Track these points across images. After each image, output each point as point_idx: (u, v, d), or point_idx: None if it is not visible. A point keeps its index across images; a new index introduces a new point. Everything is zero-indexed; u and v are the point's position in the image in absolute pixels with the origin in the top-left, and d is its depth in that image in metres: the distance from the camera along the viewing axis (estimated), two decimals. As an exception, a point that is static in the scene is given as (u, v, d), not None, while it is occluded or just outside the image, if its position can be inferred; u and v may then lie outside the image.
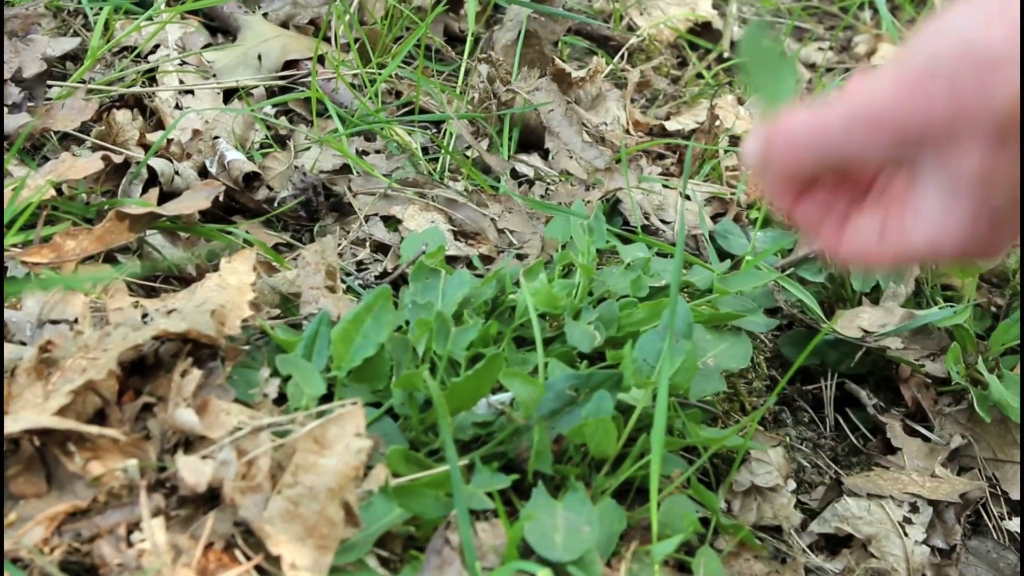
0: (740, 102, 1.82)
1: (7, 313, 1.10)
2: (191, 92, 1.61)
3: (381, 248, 1.45)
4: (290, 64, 1.67)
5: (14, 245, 1.20)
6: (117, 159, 1.36)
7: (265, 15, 1.75)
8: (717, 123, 1.70)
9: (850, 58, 2.07)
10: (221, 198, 1.40)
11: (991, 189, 0.76)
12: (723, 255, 1.50)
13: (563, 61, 1.70)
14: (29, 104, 1.44)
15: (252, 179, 1.48)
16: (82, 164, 1.28)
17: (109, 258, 1.32)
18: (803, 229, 0.88)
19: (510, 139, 1.60)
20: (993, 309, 1.53)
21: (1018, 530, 1.32)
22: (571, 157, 1.57)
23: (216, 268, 1.32)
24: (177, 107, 1.59)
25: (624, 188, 1.50)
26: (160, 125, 1.56)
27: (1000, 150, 0.74)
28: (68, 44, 1.62)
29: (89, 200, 1.37)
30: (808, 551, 1.20)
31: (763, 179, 0.87)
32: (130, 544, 0.91)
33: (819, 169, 0.83)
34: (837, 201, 0.87)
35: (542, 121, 1.60)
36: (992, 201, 0.76)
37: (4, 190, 1.22)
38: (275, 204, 1.46)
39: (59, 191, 1.34)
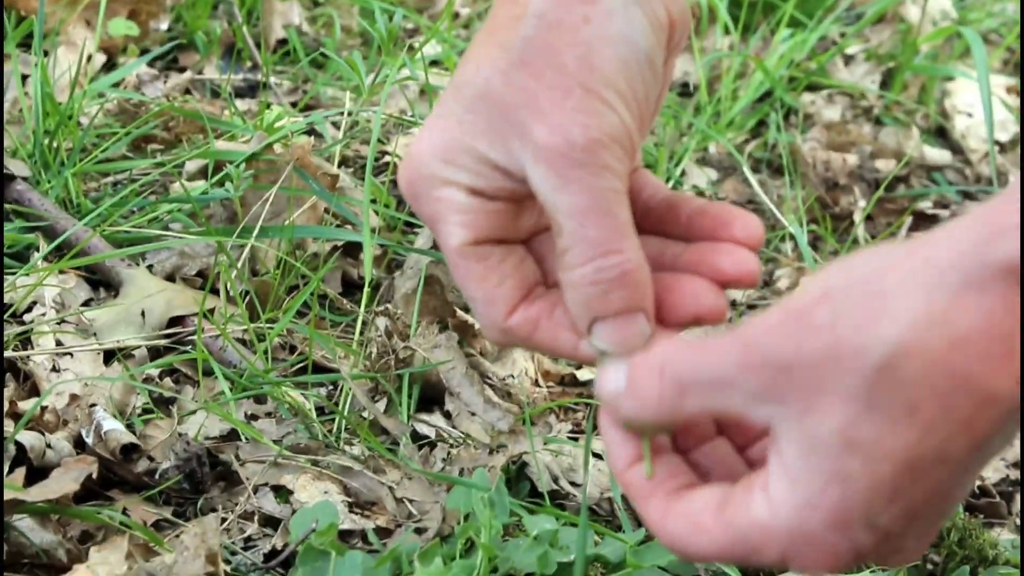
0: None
1: None
2: (69, 354, 1.60)
3: (271, 522, 1.44)
4: (175, 320, 1.68)
5: None
6: (-19, 438, 1.35)
7: (150, 267, 1.76)
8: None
9: (772, 293, 2.11)
10: (95, 474, 1.39)
11: (849, 457, 0.72)
12: (639, 521, 1.49)
13: (465, 311, 1.72)
14: None
15: (131, 450, 1.47)
16: (-59, 446, 1.27)
17: (-29, 546, 1.30)
18: (631, 495, 0.84)
19: (409, 397, 1.61)
20: (929, 566, 1.53)
21: None
22: (473, 418, 1.58)
23: (88, 553, 1.31)
24: (54, 369, 1.59)
25: (529, 452, 1.50)
26: (34, 390, 1.56)
27: (868, 412, 0.71)
28: (-64, 305, 1.62)
29: (-50, 481, 1.35)
30: None
31: (615, 424, 0.83)
32: None
33: (684, 412, 0.79)
34: (678, 471, 0.84)
35: (443, 379, 1.61)
36: (849, 469, 0.72)
37: None
38: (157, 476, 1.45)
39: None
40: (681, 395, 0.78)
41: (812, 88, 2.65)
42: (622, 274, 0.82)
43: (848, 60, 2.77)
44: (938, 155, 2.53)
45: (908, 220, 2.30)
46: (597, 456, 1.56)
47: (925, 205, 2.39)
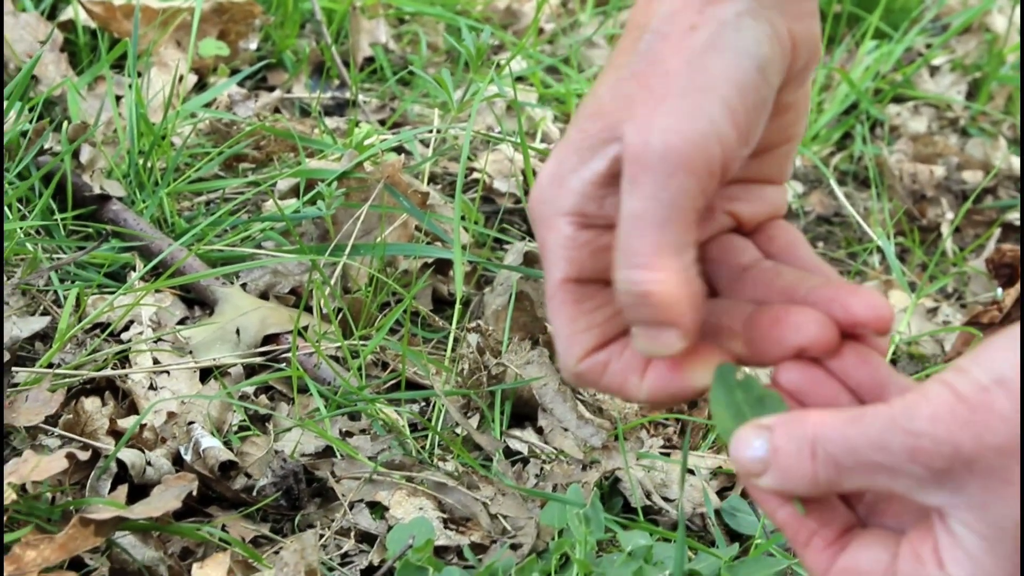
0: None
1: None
2: (166, 372, 1.62)
3: (367, 538, 1.44)
4: (270, 338, 1.69)
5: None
6: (83, 456, 1.37)
7: (243, 286, 1.78)
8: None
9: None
10: (195, 492, 1.40)
11: None
12: (732, 536, 1.49)
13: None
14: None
15: (229, 467, 1.48)
16: (45, 464, 1.29)
17: (76, 562, 1.32)
18: (788, 538, 0.82)
19: (502, 413, 1.61)
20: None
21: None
22: (566, 434, 1.58)
23: (190, 570, 1.32)
24: (152, 387, 1.60)
25: (623, 467, 1.50)
26: (133, 408, 1.58)
27: None
28: (37, 324, 1.64)
29: (55, 499, 1.37)
30: None
31: (758, 489, 0.80)
32: None
33: (840, 489, 0.77)
34: (835, 515, 0.81)
35: (535, 395, 1.61)
36: None
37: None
38: (254, 493, 1.46)
39: (23, 489, 1.34)
40: (838, 474, 0.76)
41: (898, 100, 2.63)
42: (646, 293, 0.79)
43: (934, 71, 2.75)
44: (1026, 165, 2.50)
45: (996, 232, 2.28)
46: (689, 471, 1.55)
47: (1013, 216, 2.36)
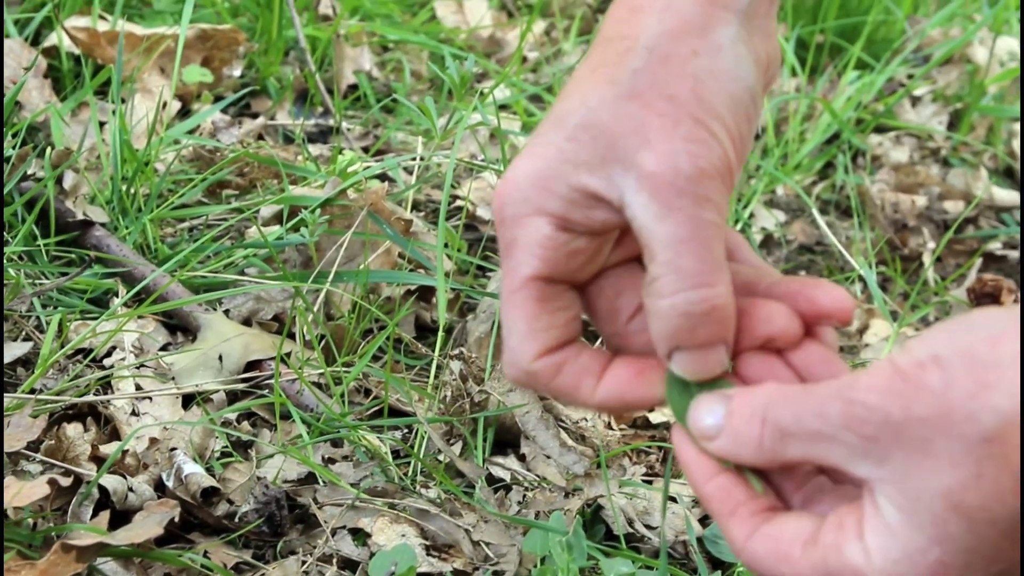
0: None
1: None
2: (149, 398, 1.62)
3: (349, 565, 1.44)
4: (252, 365, 1.69)
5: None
6: (65, 482, 1.37)
7: (227, 312, 1.78)
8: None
9: (842, 335, 2.10)
10: (177, 518, 1.40)
11: (953, 520, 0.73)
12: (714, 563, 1.49)
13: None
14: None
15: (211, 494, 1.48)
16: (27, 490, 1.29)
17: (56, 588, 1.31)
18: (712, 509, 0.83)
19: (485, 440, 1.61)
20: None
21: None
22: (549, 462, 1.58)
23: (171, 597, 1.32)
24: (134, 413, 1.60)
25: (605, 495, 1.50)
26: (115, 434, 1.57)
27: (975, 479, 0.71)
28: (19, 349, 1.64)
29: (36, 524, 1.37)
30: None
31: (689, 441, 0.83)
32: None
33: (783, 458, 0.79)
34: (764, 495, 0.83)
35: (518, 422, 1.61)
36: (951, 532, 0.73)
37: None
38: (236, 519, 1.46)
39: (5, 514, 1.34)
40: (782, 442, 0.78)
41: (880, 130, 2.65)
42: (711, 308, 0.81)
43: (915, 101, 2.77)
44: (1007, 196, 2.52)
45: (978, 261, 2.29)
46: (671, 499, 1.56)
47: (995, 246, 2.38)
